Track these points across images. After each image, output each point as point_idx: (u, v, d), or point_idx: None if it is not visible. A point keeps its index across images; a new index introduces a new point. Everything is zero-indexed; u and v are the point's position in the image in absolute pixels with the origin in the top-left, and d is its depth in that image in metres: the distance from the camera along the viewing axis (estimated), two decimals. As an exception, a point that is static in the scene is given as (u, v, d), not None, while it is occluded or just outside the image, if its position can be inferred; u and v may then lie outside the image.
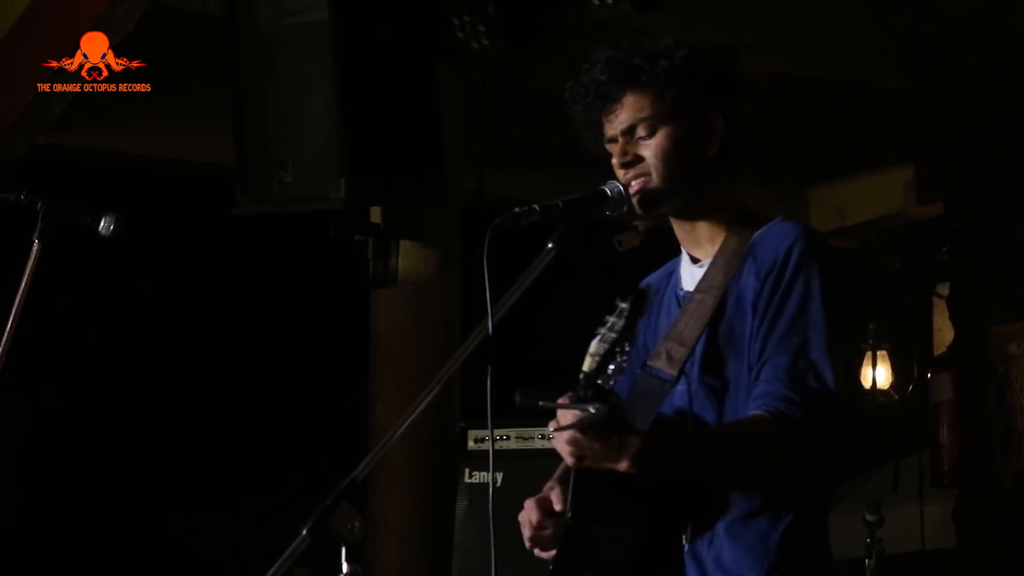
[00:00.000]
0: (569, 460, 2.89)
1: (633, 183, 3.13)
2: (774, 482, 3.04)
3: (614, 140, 3.16)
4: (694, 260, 3.22)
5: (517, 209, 2.96)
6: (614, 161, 3.15)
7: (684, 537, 3.07)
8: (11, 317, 4.04)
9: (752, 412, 2.98)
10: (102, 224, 4.13)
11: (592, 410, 2.78)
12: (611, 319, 2.80)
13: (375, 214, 6.30)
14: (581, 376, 2.82)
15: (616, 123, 3.15)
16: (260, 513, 8.46)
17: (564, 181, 3.86)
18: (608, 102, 3.14)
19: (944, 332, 8.72)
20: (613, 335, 2.77)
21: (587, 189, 3.11)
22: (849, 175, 8.89)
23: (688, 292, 3.19)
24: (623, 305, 2.79)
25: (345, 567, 2.71)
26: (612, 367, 2.78)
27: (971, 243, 8.16)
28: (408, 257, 6.28)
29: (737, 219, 3.18)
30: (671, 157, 3.12)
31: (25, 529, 8.42)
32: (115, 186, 7.59)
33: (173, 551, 8.76)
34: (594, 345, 2.81)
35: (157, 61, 6.39)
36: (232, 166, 5.94)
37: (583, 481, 3.02)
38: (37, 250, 4.05)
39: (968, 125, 8.10)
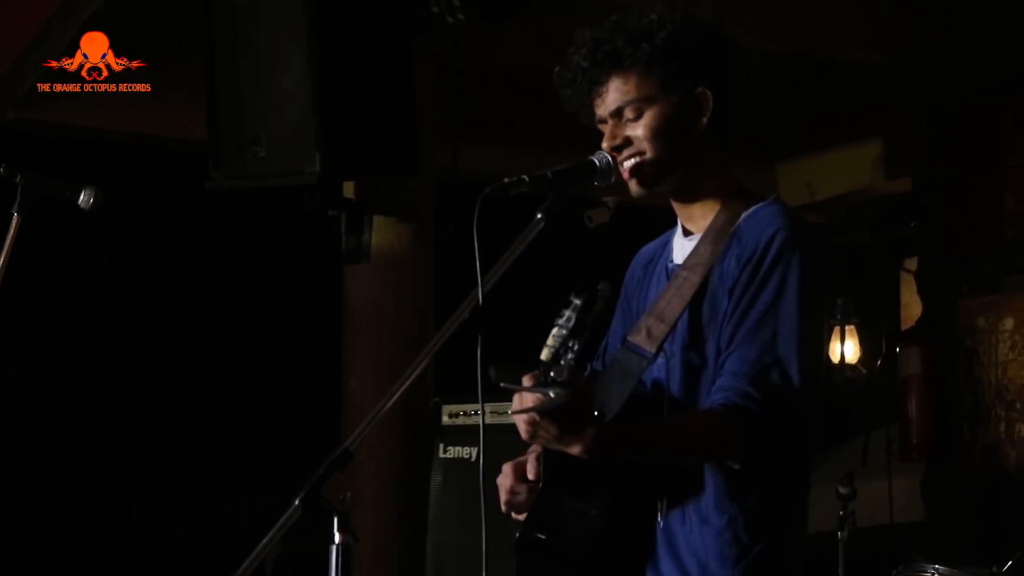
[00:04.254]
0: (525, 437, 2.89)
1: (625, 164, 3.12)
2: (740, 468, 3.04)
3: (603, 122, 3.16)
4: (687, 233, 3.23)
5: (506, 179, 2.95)
6: (604, 145, 3.14)
7: (659, 514, 3.08)
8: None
9: (711, 404, 2.99)
10: (82, 197, 4.13)
11: (552, 395, 2.78)
12: (566, 312, 2.78)
13: (348, 189, 6.28)
14: (539, 364, 2.82)
15: (604, 106, 3.13)
16: (228, 491, 8.43)
17: (538, 156, 3.84)
18: (594, 86, 3.13)
19: (912, 306, 8.76)
20: (564, 331, 2.76)
21: (562, 164, 3.09)
22: (818, 150, 8.91)
23: (677, 265, 3.20)
24: (576, 302, 2.77)
25: (337, 537, 2.71)
26: (563, 362, 2.77)
27: (939, 218, 8.19)
28: (381, 232, 6.27)
29: (732, 195, 3.18)
30: (661, 136, 3.10)
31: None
32: (87, 161, 7.54)
33: (139, 530, 8.72)
34: (551, 337, 2.79)
35: (130, 35, 6.35)
36: (206, 141, 5.93)
37: (555, 451, 3.03)
38: (16, 223, 4.04)
39: (937, 100, 8.13)
